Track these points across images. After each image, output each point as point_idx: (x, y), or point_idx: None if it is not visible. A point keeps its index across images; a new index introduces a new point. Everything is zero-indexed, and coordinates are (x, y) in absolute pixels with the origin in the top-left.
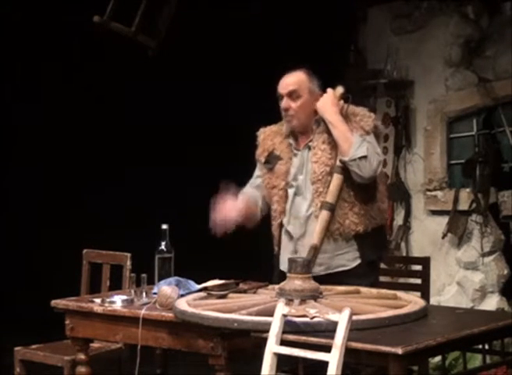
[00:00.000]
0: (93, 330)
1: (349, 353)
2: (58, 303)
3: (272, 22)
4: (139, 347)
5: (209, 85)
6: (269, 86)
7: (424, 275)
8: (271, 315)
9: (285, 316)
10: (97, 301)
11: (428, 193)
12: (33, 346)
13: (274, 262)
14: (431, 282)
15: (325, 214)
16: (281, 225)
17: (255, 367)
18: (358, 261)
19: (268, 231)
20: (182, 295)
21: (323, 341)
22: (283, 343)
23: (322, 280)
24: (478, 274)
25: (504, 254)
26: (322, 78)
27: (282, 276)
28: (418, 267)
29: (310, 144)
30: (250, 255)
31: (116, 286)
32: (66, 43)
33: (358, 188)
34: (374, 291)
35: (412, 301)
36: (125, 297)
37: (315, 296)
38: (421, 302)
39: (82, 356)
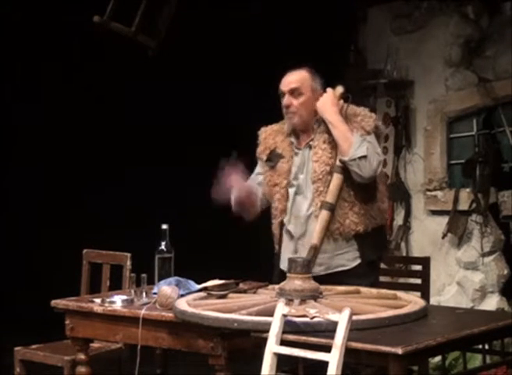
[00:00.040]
0: (93, 330)
1: (349, 353)
2: (58, 303)
3: (272, 22)
4: (139, 347)
5: (209, 85)
6: (269, 86)
7: (424, 275)
8: (271, 315)
9: (285, 316)
10: (97, 301)
11: (428, 193)
12: (33, 346)
13: (274, 261)
14: (431, 282)
15: (325, 214)
16: (282, 224)
17: (255, 367)
18: (358, 261)
19: (268, 231)
20: (182, 295)
21: (323, 340)
22: (283, 343)
23: (322, 280)
24: (478, 274)
25: (504, 254)
26: (322, 78)
27: (283, 276)
28: (418, 267)
29: (311, 143)
30: (250, 255)
31: (116, 286)
32: (66, 43)
33: (358, 188)
34: (374, 291)
35: (412, 301)
36: (125, 297)
37: (315, 296)
38: (421, 302)
39: (82, 356)
